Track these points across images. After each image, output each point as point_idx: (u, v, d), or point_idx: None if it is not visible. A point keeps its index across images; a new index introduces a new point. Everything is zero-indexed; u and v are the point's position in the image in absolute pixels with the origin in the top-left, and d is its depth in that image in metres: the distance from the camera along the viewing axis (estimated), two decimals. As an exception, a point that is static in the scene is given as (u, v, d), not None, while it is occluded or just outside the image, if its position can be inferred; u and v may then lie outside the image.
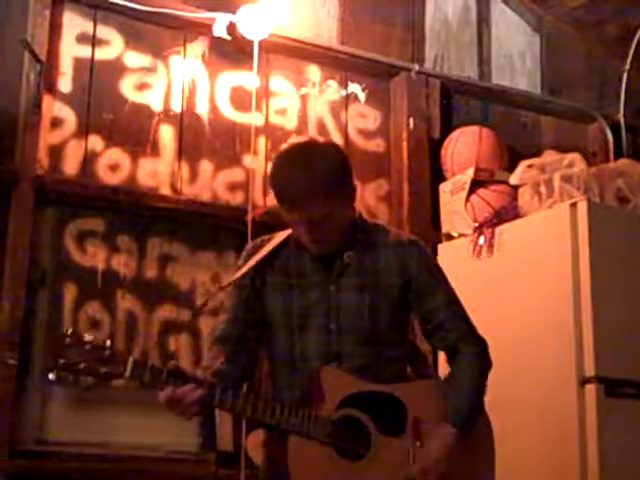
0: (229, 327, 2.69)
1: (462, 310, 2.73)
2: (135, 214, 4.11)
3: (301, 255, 2.67)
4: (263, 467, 2.69)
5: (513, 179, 4.46)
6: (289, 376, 2.64)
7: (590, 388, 3.67)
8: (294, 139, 4.48)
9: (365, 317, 2.61)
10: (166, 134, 4.22)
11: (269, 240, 2.74)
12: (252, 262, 2.67)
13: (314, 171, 2.51)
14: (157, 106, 4.23)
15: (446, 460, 2.51)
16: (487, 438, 2.69)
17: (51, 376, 2.30)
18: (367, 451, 2.49)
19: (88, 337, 2.32)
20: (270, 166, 2.66)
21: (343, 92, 4.74)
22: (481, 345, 2.71)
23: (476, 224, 4.37)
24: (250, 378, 2.72)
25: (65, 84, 4.06)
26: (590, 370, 3.68)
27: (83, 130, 4.05)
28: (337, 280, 2.63)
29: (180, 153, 4.24)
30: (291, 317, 2.64)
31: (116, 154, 4.10)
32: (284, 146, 2.76)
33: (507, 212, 4.33)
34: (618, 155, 5.17)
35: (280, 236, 2.72)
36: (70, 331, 2.31)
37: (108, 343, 2.33)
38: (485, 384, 2.67)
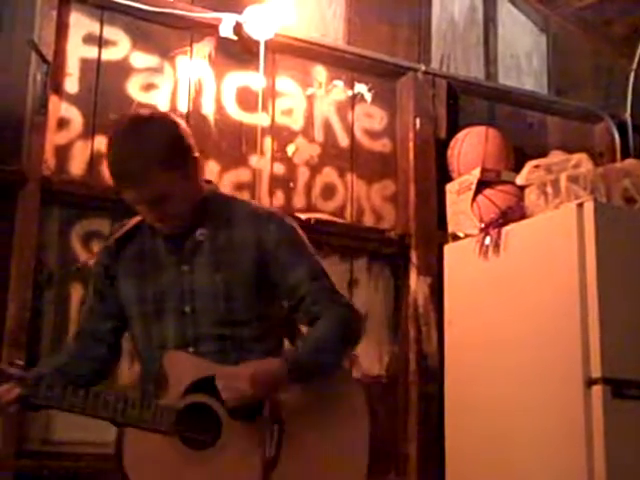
0: (85, 319, 2.64)
1: (328, 283, 2.54)
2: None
3: (155, 237, 2.54)
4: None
5: (519, 179, 4.46)
6: (150, 366, 2.51)
7: (597, 389, 3.66)
8: (300, 140, 4.50)
9: (220, 297, 2.46)
10: (172, 134, 4.22)
11: (125, 225, 2.60)
12: (101, 247, 2.62)
13: (144, 146, 2.35)
14: (163, 106, 4.23)
15: (260, 384, 2.29)
16: (355, 413, 2.48)
17: None
18: (217, 439, 2.33)
19: None
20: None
21: (349, 92, 4.73)
22: (347, 310, 2.52)
23: (482, 224, 4.36)
24: (111, 369, 2.68)
25: (72, 85, 4.07)
26: (597, 371, 3.68)
27: (89, 131, 4.06)
28: (190, 260, 2.49)
29: (186, 154, 4.23)
30: (146, 304, 2.51)
31: (122, 155, 4.10)
32: (117, 120, 2.60)
33: (513, 212, 4.32)
34: (625, 155, 5.16)
35: (134, 220, 2.58)
36: None
37: None
38: (342, 346, 2.51)
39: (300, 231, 2.60)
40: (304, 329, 2.64)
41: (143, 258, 2.54)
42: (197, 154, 2.48)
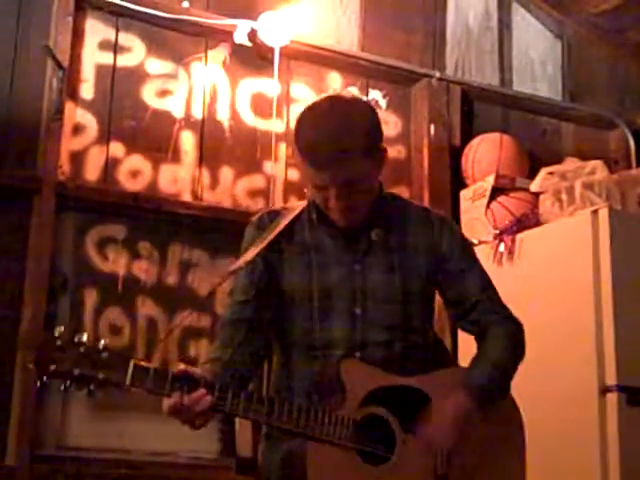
0: (240, 309, 2.38)
1: (497, 294, 2.50)
2: (156, 220, 4.12)
3: (318, 230, 2.40)
4: (277, 474, 2.38)
5: (534, 186, 4.45)
6: (306, 365, 2.36)
7: (611, 397, 3.65)
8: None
9: (396, 300, 2.35)
10: (187, 141, 4.24)
11: (279, 213, 2.46)
12: (267, 239, 2.38)
13: (354, 126, 2.24)
14: (178, 113, 4.24)
15: (457, 423, 2.26)
16: (515, 432, 2.50)
17: (39, 384, 2.05)
18: (392, 454, 2.23)
19: (81, 338, 2.04)
20: (296, 121, 2.34)
21: (364, 99, 4.73)
22: (516, 328, 2.48)
23: (497, 231, 4.36)
24: (262, 364, 2.44)
25: (87, 91, 4.08)
26: (611, 379, 3.67)
27: (104, 136, 4.07)
28: (362, 259, 2.37)
29: (201, 160, 4.25)
30: (311, 299, 2.35)
31: (137, 160, 4.12)
32: (313, 101, 2.41)
33: (528, 219, 4.32)
34: (640, 162, 5.15)
35: (294, 209, 2.46)
36: (60, 331, 2.03)
37: (103, 343, 2.05)
38: (514, 366, 2.43)
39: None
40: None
41: (308, 250, 2.39)
42: (384, 146, 2.37)
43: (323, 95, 2.43)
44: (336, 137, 2.22)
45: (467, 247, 2.54)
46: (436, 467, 2.26)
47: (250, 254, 2.38)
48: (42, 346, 2.04)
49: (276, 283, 2.39)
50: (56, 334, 2.03)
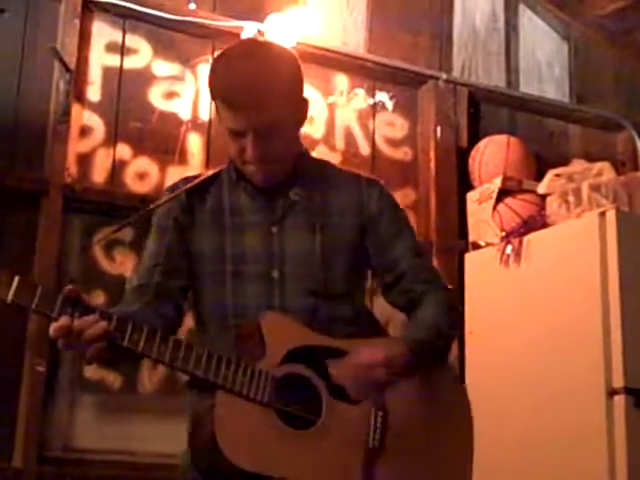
0: (148, 274, 2.22)
1: (430, 261, 2.38)
2: (163, 222, 4.12)
3: (236, 191, 2.26)
4: (189, 433, 2.14)
5: (541, 188, 4.45)
6: (220, 334, 2.19)
7: (619, 399, 3.64)
8: (321, 148, 4.50)
9: (316, 263, 2.19)
10: (194, 143, 4.24)
11: (197, 177, 2.31)
12: (171, 196, 2.26)
13: (273, 68, 2.13)
14: (185, 115, 4.24)
15: (389, 356, 2.04)
16: (463, 425, 2.27)
17: None
18: (317, 418, 2.03)
19: None
20: (210, 67, 2.23)
21: (370, 101, 4.73)
22: (449, 297, 2.30)
23: (503, 233, 4.35)
24: (174, 333, 2.19)
25: (94, 93, 4.09)
26: (619, 381, 3.66)
27: (111, 139, 4.08)
28: (281, 221, 2.21)
29: (208, 162, 4.24)
30: (223, 263, 2.20)
31: (144, 163, 4.12)
32: (232, 45, 2.31)
33: (535, 221, 4.31)
34: (647, 164, 5.14)
35: (210, 172, 2.33)
36: None
37: None
38: (449, 330, 2.24)
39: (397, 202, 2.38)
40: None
41: (222, 213, 2.24)
42: (306, 99, 2.26)
43: (246, 39, 2.30)
44: (255, 77, 2.10)
45: (398, 211, 2.35)
46: (368, 437, 2.06)
47: (154, 204, 2.28)
48: None
49: (186, 247, 2.24)
50: None
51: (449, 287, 2.35)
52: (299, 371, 2.06)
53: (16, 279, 1.87)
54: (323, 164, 2.40)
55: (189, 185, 2.27)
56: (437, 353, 2.20)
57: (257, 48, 2.23)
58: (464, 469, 2.23)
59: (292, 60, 2.21)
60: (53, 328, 1.88)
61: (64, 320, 1.88)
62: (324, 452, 2.01)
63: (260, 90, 2.09)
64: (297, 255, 2.20)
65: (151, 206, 2.30)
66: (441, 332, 2.20)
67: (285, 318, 2.12)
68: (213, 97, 2.19)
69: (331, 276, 2.20)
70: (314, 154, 4.38)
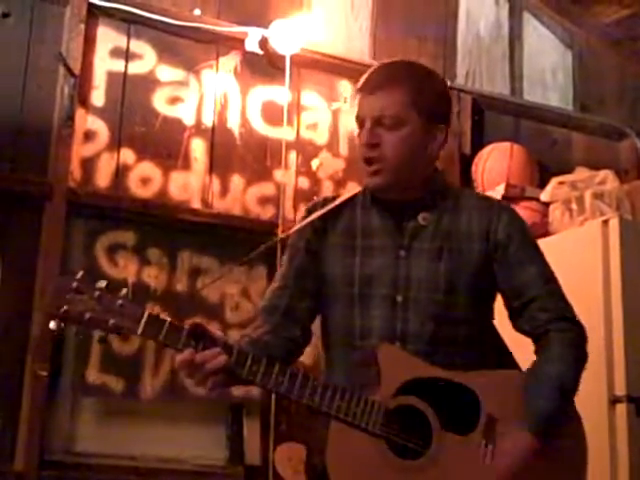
0: (277, 296, 2.29)
1: (560, 290, 2.31)
2: (166, 227, 4.13)
3: (369, 214, 2.28)
4: (306, 454, 2.28)
5: (544, 196, 4.45)
6: (345, 355, 2.23)
7: (621, 408, 3.64)
8: (325, 154, 4.50)
9: (440, 289, 2.19)
10: (197, 148, 4.24)
11: (333, 199, 2.35)
12: (309, 219, 2.30)
13: (409, 68, 2.26)
14: (189, 120, 4.25)
15: (518, 469, 2.07)
16: (576, 451, 2.27)
17: (52, 325, 1.96)
18: (426, 449, 2.05)
19: (100, 283, 1.98)
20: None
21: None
22: (578, 331, 2.27)
23: (506, 240, 4.34)
24: (297, 354, 2.31)
25: (98, 98, 4.09)
26: (621, 389, 3.65)
27: (115, 143, 4.08)
28: (409, 244, 2.22)
29: (211, 167, 4.25)
30: (352, 286, 2.23)
31: (148, 167, 4.13)
32: None
33: (538, 229, 4.30)
34: (650, 172, 5.14)
35: (346, 195, 2.35)
36: (80, 275, 1.97)
37: (124, 292, 2.00)
38: (577, 380, 2.22)
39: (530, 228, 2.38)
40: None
41: (354, 235, 2.27)
42: (446, 125, 2.28)
43: None
44: (392, 66, 2.25)
45: (527, 237, 2.32)
46: (477, 471, 2.08)
47: (293, 230, 2.35)
48: (56, 288, 1.99)
49: (317, 270, 2.29)
50: (74, 277, 1.98)
51: (577, 320, 2.31)
52: (412, 403, 2.09)
53: (146, 314, 1.98)
54: (455, 188, 2.42)
55: (326, 209, 2.31)
56: (565, 417, 2.21)
57: (412, 62, 2.37)
58: None
59: (438, 77, 2.34)
60: (178, 360, 1.99)
61: (187, 353, 1.98)
62: None
63: (389, 75, 2.22)
64: (421, 280, 2.21)
65: (290, 231, 2.39)
66: (571, 392, 2.22)
67: (401, 351, 2.15)
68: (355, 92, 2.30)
69: (454, 301, 2.21)
70: (318, 160, 4.46)
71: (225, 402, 4.05)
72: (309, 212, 2.35)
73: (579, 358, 2.25)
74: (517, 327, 2.32)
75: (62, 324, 1.96)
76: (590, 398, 3.72)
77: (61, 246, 3.86)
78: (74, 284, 1.96)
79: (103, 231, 4.02)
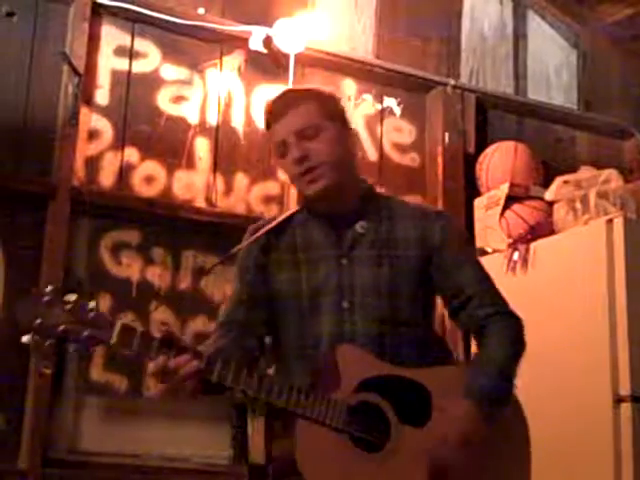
0: (233, 311, 2.44)
1: (494, 287, 2.45)
2: (170, 226, 4.13)
3: (308, 228, 2.44)
4: (271, 459, 2.42)
5: (548, 195, 4.44)
6: (299, 364, 2.37)
7: (625, 407, 3.64)
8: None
9: (383, 293, 2.34)
10: (202, 147, 4.25)
11: (275, 218, 2.51)
12: (253, 238, 2.45)
13: (307, 89, 2.51)
14: (193, 119, 4.25)
15: (467, 436, 2.18)
16: (520, 434, 2.41)
17: (25, 339, 2.01)
18: (387, 442, 2.19)
19: (70, 297, 2.04)
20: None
21: (378, 106, 4.74)
22: (515, 323, 2.41)
23: (510, 240, 4.35)
24: (255, 365, 2.40)
25: (102, 96, 4.10)
26: (625, 389, 3.65)
27: (119, 142, 4.09)
28: (349, 253, 2.37)
29: (215, 166, 4.25)
30: (300, 299, 2.37)
31: (152, 166, 4.13)
32: None
33: (542, 228, 4.31)
34: (655, 171, 5.13)
35: (285, 214, 2.50)
36: (49, 289, 2.03)
37: (93, 304, 2.06)
38: (515, 365, 2.35)
39: (466, 232, 2.52)
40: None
41: (295, 248, 2.42)
42: (355, 132, 2.51)
43: None
44: (291, 90, 2.49)
45: (462, 240, 2.51)
46: (434, 458, 2.20)
47: (235, 249, 2.50)
48: (28, 300, 2.04)
49: (268, 284, 2.43)
50: (45, 291, 2.03)
51: (513, 313, 2.43)
52: (371, 399, 2.22)
53: (119, 324, 2.06)
54: (389, 198, 2.55)
55: (267, 227, 2.46)
56: (507, 396, 2.33)
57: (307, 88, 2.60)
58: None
59: (333, 93, 2.54)
60: (152, 366, 2.11)
61: (161, 360, 2.09)
62: (393, 471, 2.19)
63: (292, 98, 2.40)
64: (364, 286, 2.34)
65: (236, 248, 2.51)
66: (511, 374, 2.33)
67: (358, 350, 2.28)
68: (266, 128, 2.44)
69: (397, 305, 2.35)
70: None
71: (229, 401, 4.04)
72: (254, 232, 2.49)
73: (516, 345, 2.37)
74: (458, 325, 2.48)
75: (36, 337, 2.01)
76: (594, 397, 3.73)
77: (65, 245, 3.86)
78: (45, 298, 2.02)
79: (107, 230, 4.02)
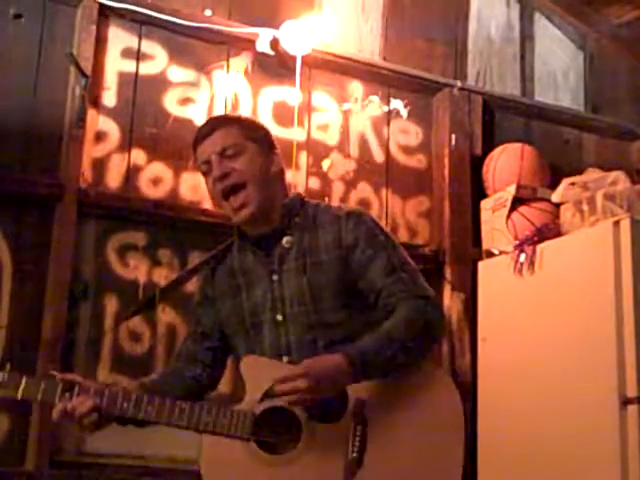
0: (183, 343, 2.72)
1: (406, 275, 2.46)
2: (177, 228, 4.13)
3: (242, 253, 2.59)
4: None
5: (555, 197, 4.44)
6: None
7: (632, 409, 3.63)
8: (335, 155, 4.51)
9: (307, 301, 2.45)
10: (208, 148, 4.24)
11: (216, 250, 2.71)
12: (187, 268, 2.70)
13: (231, 116, 2.76)
14: (200, 120, 4.23)
15: (317, 378, 2.21)
16: (453, 419, 2.38)
17: None
18: (297, 442, 2.28)
19: None
20: None
21: (385, 108, 4.73)
22: (419, 303, 2.41)
23: (517, 242, 4.34)
24: (208, 387, 2.66)
25: (109, 98, 4.10)
26: (632, 390, 3.64)
27: (126, 144, 4.09)
28: (279, 268, 2.50)
29: (222, 168, 4.25)
30: (244, 320, 2.53)
31: (159, 168, 4.13)
32: None
33: (549, 230, 4.30)
34: (662, 173, 5.12)
35: (223, 245, 2.67)
36: None
37: (7, 367, 2.33)
38: (416, 340, 2.36)
39: (379, 224, 2.57)
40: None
41: (235, 275, 2.58)
42: (279, 153, 2.61)
43: None
44: (212, 118, 2.69)
45: (374, 236, 2.52)
46: (348, 451, 2.26)
47: (166, 284, 2.91)
48: None
49: (215, 314, 2.62)
50: None
51: (426, 295, 2.46)
52: (277, 404, 2.30)
53: (23, 381, 2.32)
54: (313, 207, 2.62)
55: (204, 259, 2.76)
56: (393, 358, 2.32)
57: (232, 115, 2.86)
58: (455, 465, 2.35)
59: (253, 119, 2.85)
60: (54, 412, 2.33)
61: (61, 405, 2.32)
62: (304, 469, 2.26)
63: (215, 122, 2.58)
64: (292, 296, 2.47)
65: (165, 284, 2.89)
66: (394, 339, 2.33)
67: (261, 358, 2.44)
68: (193, 152, 2.60)
69: (322, 309, 2.45)
70: (328, 161, 4.46)
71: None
72: (210, 260, 2.71)
73: (419, 317, 2.38)
74: (377, 318, 2.45)
75: None
76: (601, 399, 3.72)
77: (72, 247, 3.86)
78: None
79: (114, 232, 4.02)
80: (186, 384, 2.59)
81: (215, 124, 2.55)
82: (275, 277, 2.49)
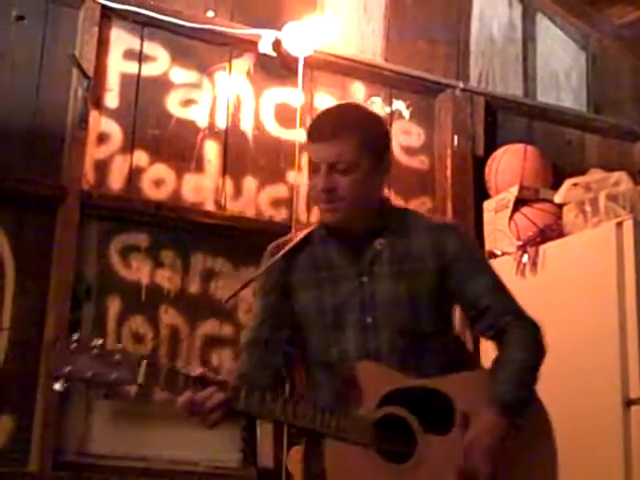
0: (256, 331, 2.49)
1: (511, 295, 2.49)
2: (179, 229, 4.14)
3: (327, 247, 2.48)
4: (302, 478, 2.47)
5: (558, 197, 4.43)
6: (327, 379, 2.44)
7: (636, 410, 3.63)
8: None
9: (403, 307, 2.39)
10: (211, 150, 4.25)
11: (290, 239, 2.54)
12: (272, 260, 2.48)
13: (356, 115, 2.44)
14: (202, 122, 4.25)
15: (493, 448, 2.25)
16: (546, 436, 2.48)
17: (57, 387, 2.10)
18: (412, 452, 2.25)
19: (95, 342, 2.14)
20: None
21: (387, 109, 4.73)
22: (534, 329, 2.46)
23: (520, 242, 4.34)
24: (284, 382, 2.56)
25: (112, 100, 4.11)
26: (635, 391, 3.64)
27: (129, 145, 4.09)
28: (369, 270, 2.42)
29: (224, 169, 4.26)
30: (324, 316, 2.43)
31: (161, 169, 4.14)
32: None
33: (551, 231, 4.30)
34: (665, 174, 5.12)
35: (303, 232, 2.53)
36: (76, 336, 2.13)
37: (119, 346, 2.17)
38: (536, 371, 2.42)
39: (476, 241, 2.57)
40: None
41: (318, 268, 2.47)
42: (391, 151, 2.57)
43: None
44: (333, 118, 2.42)
45: (475, 251, 2.57)
46: (460, 463, 2.25)
47: (258, 273, 2.53)
48: (56, 350, 2.15)
49: (290, 305, 2.47)
50: (72, 339, 2.12)
51: (531, 319, 2.48)
52: (394, 412, 2.27)
53: (143, 364, 2.14)
54: (404, 212, 2.58)
55: (286, 248, 2.48)
56: (529, 401, 2.40)
57: (354, 104, 2.60)
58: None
59: (378, 117, 2.54)
60: (180, 402, 2.17)
61: (187, 395, 2.16)
62: (422, 478, 2.24)
63: (338, 127, 2.36)
64: (385, 301, 2.39)
65: (258, 272, 2.54)
66: (532, 378, 2.40)
67: (378, 366, 2.35)
68: (306, 139, 2.48)
69: (417, 318, 2.40)
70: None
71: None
72: (271, 254, 2.51)
73: (536, 351, 2.44)
74: (478, 332, 2.52)
75: (66, 384, 2.10)
76: (604, 401, 3.72)
77: (75, 248, 3.87)
78: (73, 345, 2.11)
79: (116, 233, 4.03)
80: (271, 376, 2.44)
81: (338, 130, 2.36)
82: (365, 279, 2.42)
